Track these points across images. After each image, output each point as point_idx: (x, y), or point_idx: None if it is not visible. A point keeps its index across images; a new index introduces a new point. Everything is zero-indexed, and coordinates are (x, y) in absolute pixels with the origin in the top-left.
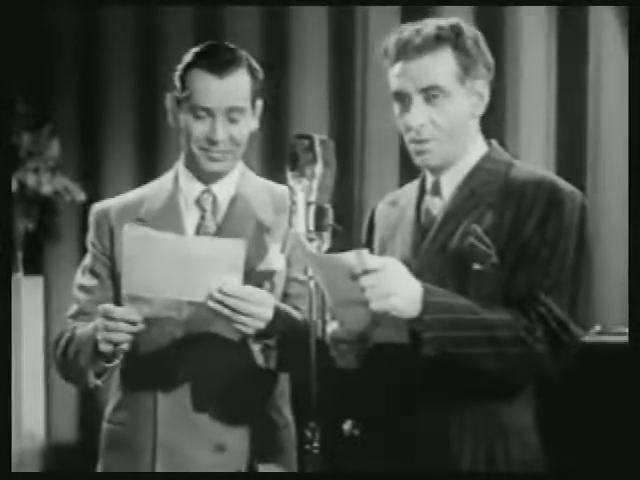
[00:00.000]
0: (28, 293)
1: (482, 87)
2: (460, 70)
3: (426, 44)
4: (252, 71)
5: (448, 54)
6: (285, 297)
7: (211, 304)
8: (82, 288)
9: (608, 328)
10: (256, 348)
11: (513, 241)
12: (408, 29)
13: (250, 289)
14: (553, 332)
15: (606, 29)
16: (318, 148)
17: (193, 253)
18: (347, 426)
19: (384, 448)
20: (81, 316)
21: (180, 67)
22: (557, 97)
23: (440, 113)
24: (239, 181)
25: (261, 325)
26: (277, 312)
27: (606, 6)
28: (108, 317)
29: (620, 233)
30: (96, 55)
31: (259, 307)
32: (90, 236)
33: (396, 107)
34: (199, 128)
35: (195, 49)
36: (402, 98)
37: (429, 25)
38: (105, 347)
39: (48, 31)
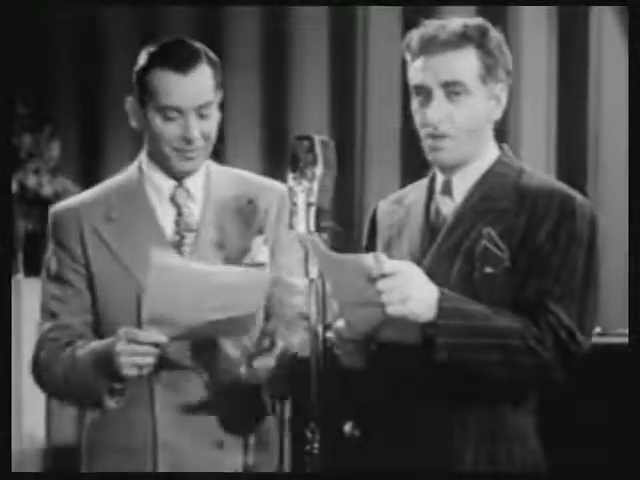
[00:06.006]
0: (28, 294)
1: (501, 91)
2: (483, 70)
3: (451, 40)
4: (211, 63)
5: (472, 52)
6: None
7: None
8: (54, 298)
9: (608, 329)
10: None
11: (524, 248)
12: (433, 24)
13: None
14: (562, 342)
15: (606, 29)
16: (318, 149)
17: (220, 283)
18: (347, 428)
19: (385, 449)
20: (57, 331)
21: (139, 68)
22: (557, 97)
23: (460, 110)
24: (208, 173)
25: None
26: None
27: (606, 6)
28: (133, 341)
29: (620, 233)
30: (96, 55)
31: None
32: (54, 240)
33: (415, 102)
34: (171, 129)
35: (150, 48)
36: (423, 92)
37: (455, 22)
38: (130, 371)
39: (48, 31)
